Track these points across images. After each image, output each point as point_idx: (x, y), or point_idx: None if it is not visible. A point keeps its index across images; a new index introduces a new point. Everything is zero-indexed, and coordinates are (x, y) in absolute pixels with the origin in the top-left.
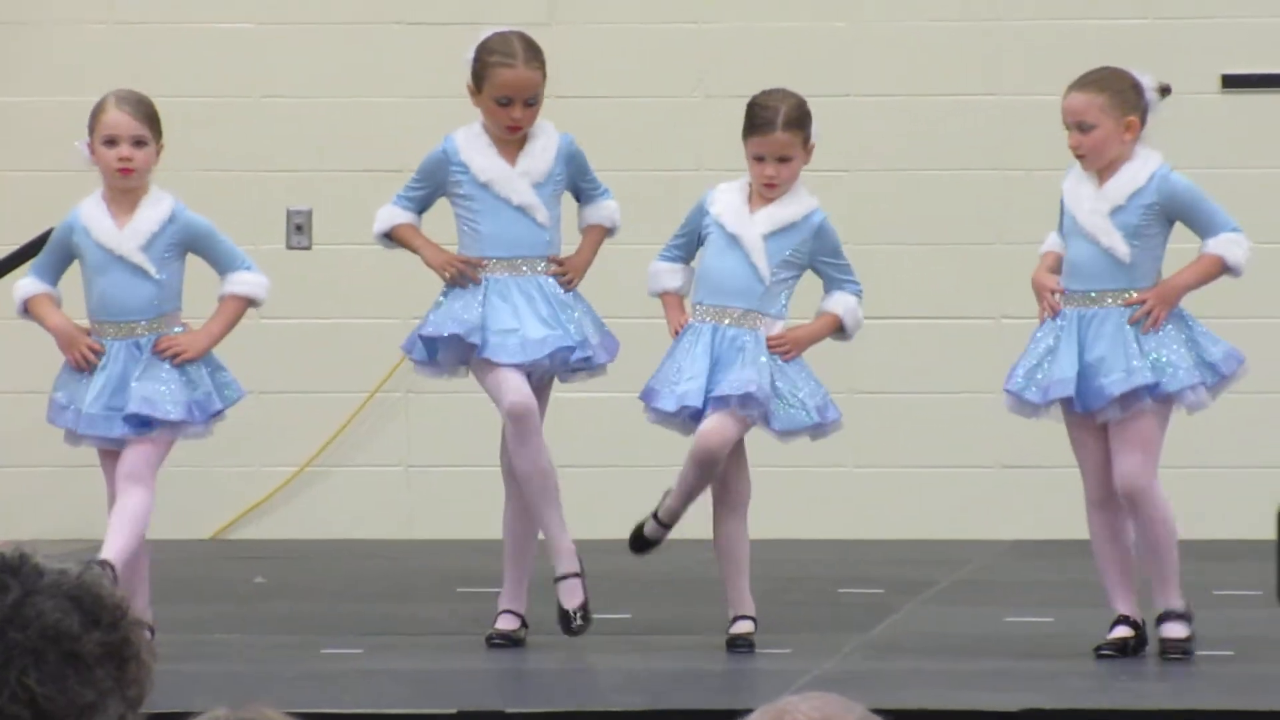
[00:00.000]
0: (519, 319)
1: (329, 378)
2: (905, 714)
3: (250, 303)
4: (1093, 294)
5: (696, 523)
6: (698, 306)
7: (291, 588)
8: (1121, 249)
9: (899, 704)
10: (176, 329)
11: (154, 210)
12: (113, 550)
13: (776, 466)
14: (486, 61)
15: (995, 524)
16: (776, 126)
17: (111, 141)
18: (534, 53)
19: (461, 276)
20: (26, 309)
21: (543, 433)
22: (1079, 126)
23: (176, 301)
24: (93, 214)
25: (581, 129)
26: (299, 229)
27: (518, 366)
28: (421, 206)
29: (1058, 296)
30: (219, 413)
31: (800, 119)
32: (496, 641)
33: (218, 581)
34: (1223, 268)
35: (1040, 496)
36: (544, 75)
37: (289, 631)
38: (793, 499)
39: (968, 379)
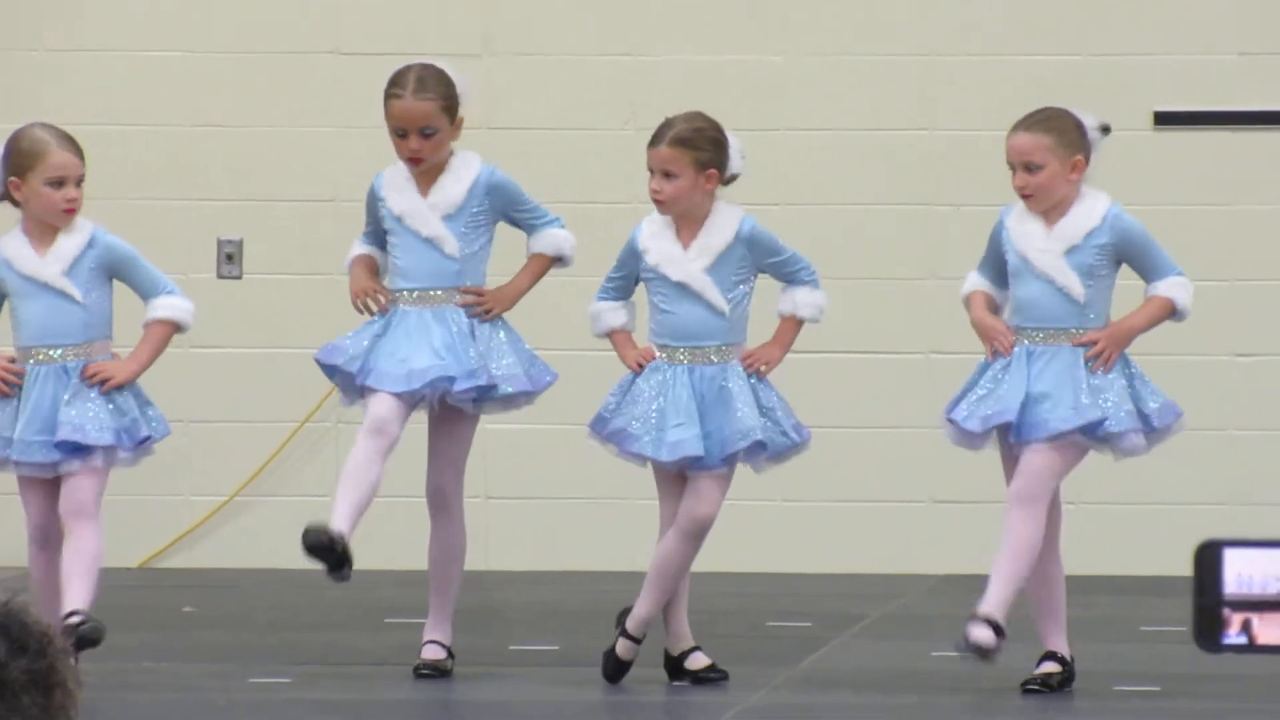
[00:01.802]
0: (411, 348)
1: (259, 407)
2: None
3: (176, 328)
4: (1044, 332)
5: (622, 554)
6: (665, 348)
7: (220, 617)
8: (1077, 289)
9: None
10: (105, 356)
11: (74, 236)
12: (81, 599)
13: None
14: (385, 94)
15: (925, 558)
16: (662, 140)
17: (59, 182)
18: (426, 84)
19: (367, 308)
20: None
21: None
22: (1026, 167)
23: (105, 328)
24: (13, 247)
25: (515, 160)
26: (229, 258)
27: (399, 396)
28: (375, 240)
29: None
30: (145, 441)
31: (691, 138)
32: (424, 672)
33: (146, 610)
34: (1172, 311)
35: (971, 531)
36: (442, 106)
37: (217, 660)
38: (722, 531)
39: (899, 414)
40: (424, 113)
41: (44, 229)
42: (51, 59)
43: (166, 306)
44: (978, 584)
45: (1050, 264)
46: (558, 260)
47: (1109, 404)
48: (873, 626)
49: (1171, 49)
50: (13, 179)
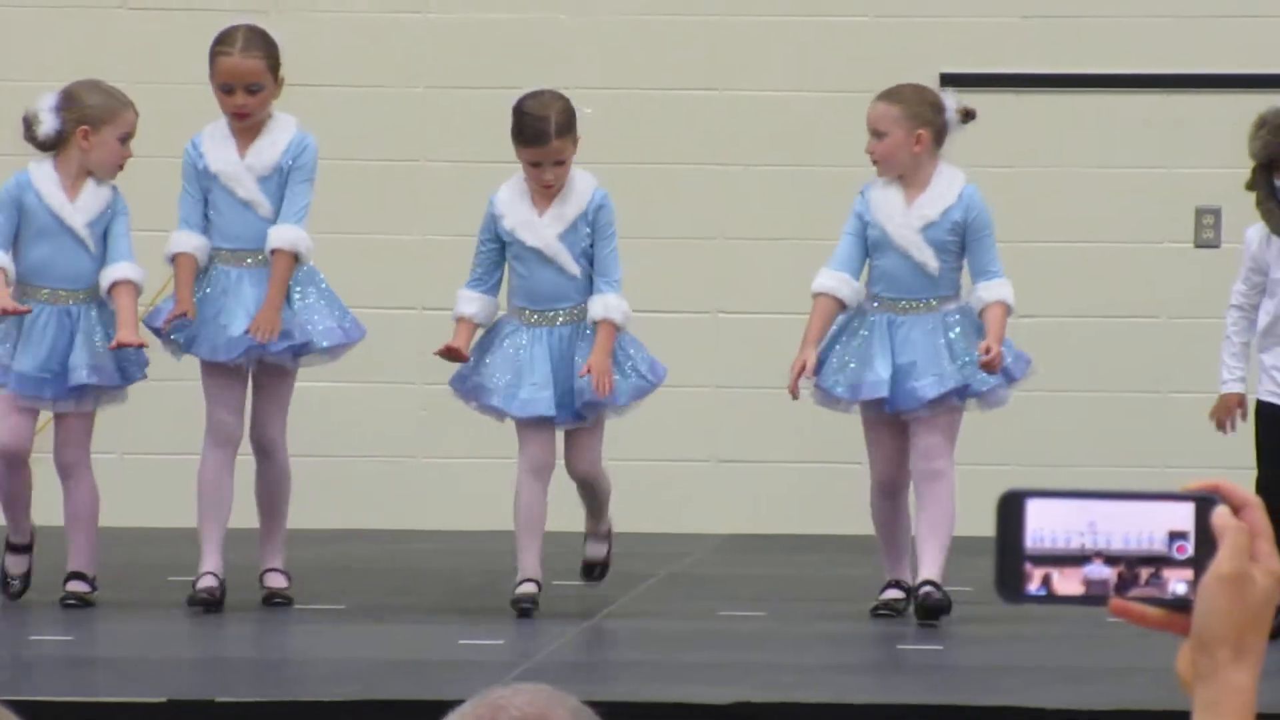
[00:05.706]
0: (229, 315)
1: None
2: (618, 706)
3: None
4: (903, 303)
5: (412, 513)
6: (520, 311)
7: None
8: (932, 264)
9: (612, 696)
10: (99, 301)
11: (102, 190)
12: (86, 560)
13: (491, 459)
14: (212, 52)
15: (709, 518)
16: (550, 137)
17: (126, 139)
18: (255, 43)
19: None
20: None
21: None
22: (874, 133)
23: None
24: (46, 181)
25: (299, 117)
26: None
27: (220, 364)
28: (205, 212)
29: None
30: (135, 380)
31: (569, 122)
32: (277, 600)
33: None
34: (1008, 310)
35: (755, 491)
36: (268, 65)
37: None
38: (505, 492)
39: (683, 373)
40: (251, 70)
41: (78, 176)
42: None
43: (134, 269)
44: (761, 543)
45: (908, 239)
46: (296, 258)
47: (968, 367)
48: (658, 585)
49: (957, 11)
50: (85, 127)
